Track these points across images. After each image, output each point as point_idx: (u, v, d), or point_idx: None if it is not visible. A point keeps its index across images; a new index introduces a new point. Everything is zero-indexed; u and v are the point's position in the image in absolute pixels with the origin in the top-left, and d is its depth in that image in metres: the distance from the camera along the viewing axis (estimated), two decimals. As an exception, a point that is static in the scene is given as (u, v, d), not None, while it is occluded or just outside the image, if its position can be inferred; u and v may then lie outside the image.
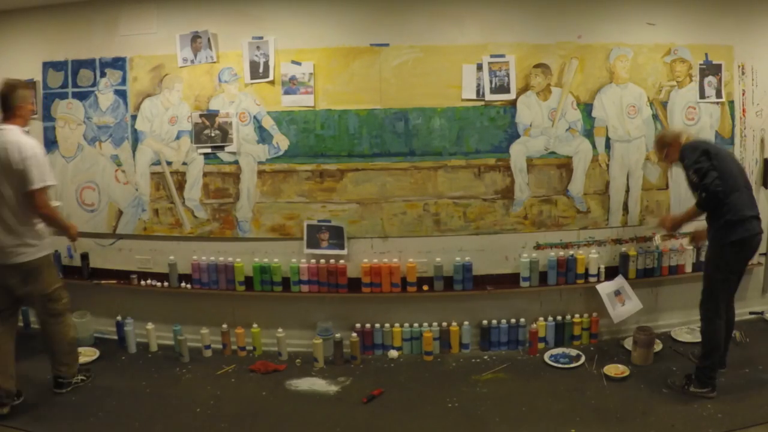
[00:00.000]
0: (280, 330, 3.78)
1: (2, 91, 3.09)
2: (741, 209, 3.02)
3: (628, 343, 3.71)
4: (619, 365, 3.50)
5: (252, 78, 3.74)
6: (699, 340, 3.32)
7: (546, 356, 3.69)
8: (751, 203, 3.10)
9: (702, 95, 3.83)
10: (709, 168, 2.96)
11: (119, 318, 4.00)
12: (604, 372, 3.45)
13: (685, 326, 3.95)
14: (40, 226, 3.16)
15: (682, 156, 3.13)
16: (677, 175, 3.71)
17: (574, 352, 3.73)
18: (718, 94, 3.85)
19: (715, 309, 3.11)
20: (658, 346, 3.67)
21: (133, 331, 3.92)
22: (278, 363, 3.74)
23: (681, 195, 3.82)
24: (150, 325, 3.89)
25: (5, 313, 3.19)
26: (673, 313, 3.99)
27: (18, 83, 3.17)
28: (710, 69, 3.81)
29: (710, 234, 3.16)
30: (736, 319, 3.52)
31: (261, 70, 3.73)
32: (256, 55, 3.72)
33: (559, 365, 3.60)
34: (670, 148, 3.29)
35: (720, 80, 3.82)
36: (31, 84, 3.96)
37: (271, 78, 3.72)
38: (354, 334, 3.77)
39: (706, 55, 3.81)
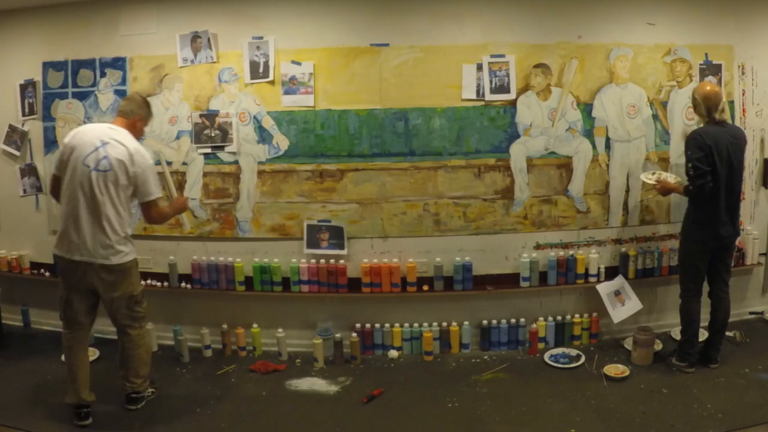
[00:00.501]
0: (280, 330, 3.77)
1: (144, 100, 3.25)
2: (713, 216, 3.25)
3: (628, 343, 3.70)
4: (619, 365, 3.50)
5: (252, 78, 3.74)
6: (703, 339, 3.54)
7: (546, 356, 3.69)
8: (727, 211, 3.27)
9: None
10: (706, 171, 3.14)
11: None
12: (604, 372, 3.45)
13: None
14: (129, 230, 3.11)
15: (688, 145, 3.25)
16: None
17: (574, 352, 3.73)
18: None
19: (688, 291, 3.41)
20: (658, 346, 3.66)
21: (133, 331, 3.91)
22: (278, 363, 3.74)
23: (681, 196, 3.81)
24: (150, 325, 3.87)
25: (84, 323, 3.10)
26: (673, 313, 3.95)
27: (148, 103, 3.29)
28: (710, 69, 3.81)
29: (682, 226, 3.45)
30: (737, 319, 3.54)
31: (261, 70, 3.73)
32: (256, 55, 3.72)
33: (559, 365, 3.60)
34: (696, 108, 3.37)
35: (720, 80, 3.81)
36: (31, 83, 4.00)
37: (271, 78, 3.72)
38: (354, 334, 3.76)
39: (706, 55, 3.81)
